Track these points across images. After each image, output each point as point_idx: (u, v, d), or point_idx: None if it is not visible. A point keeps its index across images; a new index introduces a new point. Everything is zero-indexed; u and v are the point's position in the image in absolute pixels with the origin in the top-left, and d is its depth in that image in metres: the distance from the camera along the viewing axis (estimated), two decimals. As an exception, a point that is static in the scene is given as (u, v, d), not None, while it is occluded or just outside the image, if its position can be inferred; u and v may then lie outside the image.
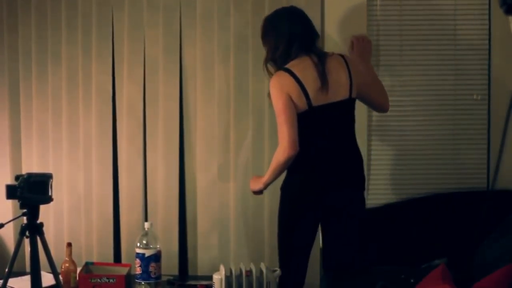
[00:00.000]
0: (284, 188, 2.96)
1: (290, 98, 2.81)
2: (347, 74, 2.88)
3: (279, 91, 2.83)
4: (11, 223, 2.87)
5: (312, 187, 2.88)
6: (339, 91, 2.86)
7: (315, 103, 2.82)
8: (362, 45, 3.22)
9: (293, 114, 2.82)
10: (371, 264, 3.01)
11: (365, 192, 3.07)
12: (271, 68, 2.96)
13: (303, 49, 2.87)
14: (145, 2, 3.41)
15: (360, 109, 3.37)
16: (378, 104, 3.11)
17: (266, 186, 2.97)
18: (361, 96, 3.00)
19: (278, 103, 2.83)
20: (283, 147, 2.81)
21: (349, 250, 2.96)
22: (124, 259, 3.48)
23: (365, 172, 3.04)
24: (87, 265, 3.25)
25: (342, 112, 2.90)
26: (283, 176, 2.95)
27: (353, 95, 2.91)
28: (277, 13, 2.99)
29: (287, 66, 2.86)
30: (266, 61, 2.96)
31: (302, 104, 2.82)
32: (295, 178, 2.91)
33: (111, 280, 3.07)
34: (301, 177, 2.89)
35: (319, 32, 3.33)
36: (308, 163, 2.88)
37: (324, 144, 2.88)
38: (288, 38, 2.87)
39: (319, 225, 3.00)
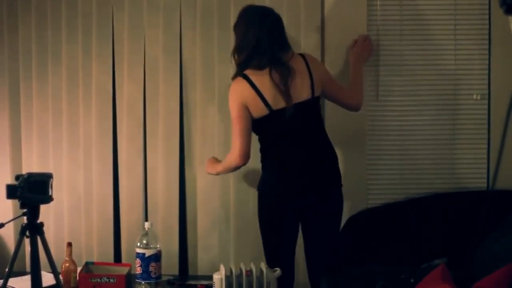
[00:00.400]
0: (260, 188, 3.00)
1: (246, 108, 2.85)
2: (308, 74, 2.90)
3: (235, 100, 2.87)
4: (11, 223, 2.87)
5: (287, 189, 2.92)
6: (301, 92, 2.88)
7: (276, 107, 2.85)
8: (363, 45, 3.25)
9: (247, 125, 2.86)
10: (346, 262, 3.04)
11: (343, 188, 3.07)
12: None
13: (267, 59, 2.85)
14: (145, 2, 3.41)
15: (360, 109, 3.39)
16: (345, 102, 3.10)
17: (219, 174, 3.12)
18: (326, 93, 3.01)
19: (233, 112, 2.89)
20: (234, 157, 2.90)
21: (329, 250, 3.00)
22: (124, 259, 3.48)
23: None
24: (87, 265, 3.25)
25: (307, 112, 2.92)
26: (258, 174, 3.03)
27: (316, 94, 2.92)
28: (252, 12, 2.94)
29: (246, 72, 2.87)
30: (233, 53, 2.95)
31: (262, 110, 2.86)
32: (270, 179, 2.96)
33: (111, 280, 3.07)
34: (276, 178, 2.94)
35: (319, 32, 3.35)
36: (280, 166, 2.93)
37: (293, 145, 2.91)
38: (254, 45, 2.85)
39: (300, 225, 3.04)
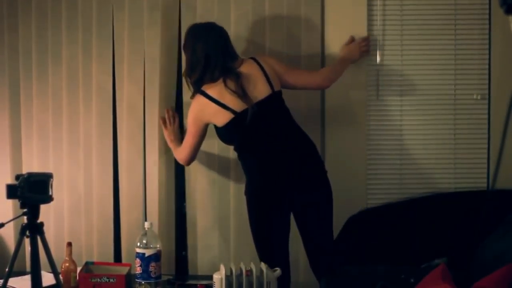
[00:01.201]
0: (248, 192, 3.07)
1: (205, 125, 3.03)
2: (261, 73, 2.98)
3: (194, 118, 3.02)
4: (12, 222, 2.87)
5: (273, 186, 2.98)
6: (260, 91, 2.96)
7: (239, 110, 2.92)
8: (357, 45, 3.29)
9: (199, 142, 3.09)
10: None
11: (328, 174, 3.09)
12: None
13: (219, 71, 2.96)
14: (145, 2, 3.41)
15: (360, 109, 3.40)
16: (310, 82, 3.16)
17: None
18: (288, 82, 3.07)
19: (189, 127, 3.07)
20: (179, 158, 3.21)
21: (326, 237, 3.05)
22: (124, 259, 3.48)
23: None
24: (87, 264, 3.25)
25: (272, 107, 2.99)
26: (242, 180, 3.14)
27: (276, 88, 2.99)
28: (197, 30, 3.05)
29: (203, 88, 2.98)
30: (185, 74, 3.08)
31: (226, 116, 2.94)
32: (254, 181, 3.03)
33: (111, 280, 3.07)
34: (260, 179, 3.00)
35: (319, 32, 3.35)
36: (260, 166, 2.99)
37: (268, 143, 2.98)
38: (204, 61, 2.96)
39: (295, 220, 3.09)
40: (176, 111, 3.40)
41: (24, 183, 2.56)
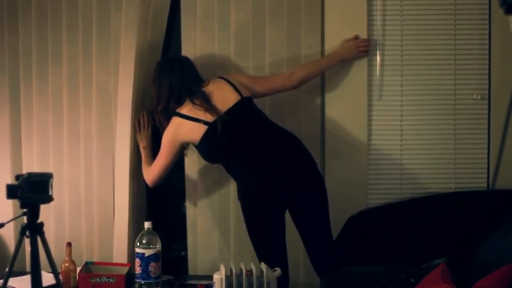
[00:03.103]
0: (240, 196, 3.09)
1: (180, 146, 3.10)
2: (227, 84, 3.09)
3: (170, 138, 3.09)
4: (12, 222, 2.86)
5: (265, 188, 3.01)
6: (228, 100, 3.05)
7: (211, 120, 3.01)
8: (355, 45, 3.30)
9: (171, 162, 3.14)
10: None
11: (322, 169, 3.14)
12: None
13: (184, 96, 3.08)
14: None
15: (360, 109, 3.39)
16: (279, 88, 3.23)
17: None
18: (258, 90, 3.17)
19: (163, 148, 3.11)
20: (147, 178, 3.23)
21: (324, 232, 3.07)
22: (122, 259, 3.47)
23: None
24: (87, 264, 3.25)
25: (244, 112, 3.06)
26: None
27: (245, 94, 3.08)
28: (161, 65, 3.18)
29: (177, 110, 3.07)
30: (152, 110, 3.21)
31: (200, 129, 3.02)
32: (246, 186, 3.06)
33: (111, 280, 3.07)
34: (251, 183, 3.03)
35: (319, 32, 3.35)
36: (249, 170, 3.03)
37: (250, 146, 3.02)
38: (168, 91, 3.09)
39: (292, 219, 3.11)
40: (150, 117, 3.40)
41: (24, 183, 2.55)
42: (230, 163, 3.09)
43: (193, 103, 3.04)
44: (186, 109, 3.06)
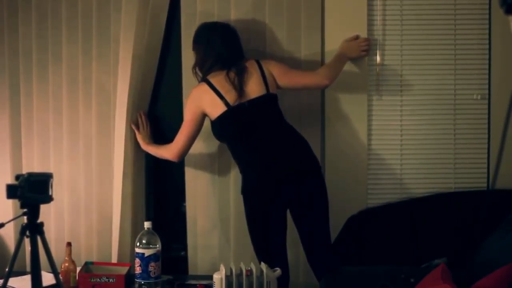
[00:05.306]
0: (244, 192, 3.11)
1: (202, 114, 3.08)
2: (260, 73, 3.06)
3: (192, 104, 3.08)
4: (12, 222, 2.86)
5: (268, 185, 3.02)
6: (254, 90, 3.03)
7: (232, 103, 3.01)
8: (357, 44, 3.30)
9: (196, 131, 3.12)
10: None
11: (323, 172, 3.13)
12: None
13: (226, 66, 3.07)
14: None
15: (360, 109, 3.40)
16: (311, 86, 3.21)
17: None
18: (287, 83, 3.13)
19: (187, 115, 3.11)
20: (171, 153, 3.17)
21: (324, 233, 3.07)
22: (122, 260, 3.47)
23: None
24: (87, 264, 3.25)
25: (263, 107, 3.05)
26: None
27: (271, 90, 3.07)
28: (212, 27, 3.17)
29: (207, 77, 3.07)
30: (194, 68, 3.18)
31: (220, 108, 3.01)
32: (250, 180, 3.07)
33: (110, 280, 3.07)
34: (255, 178, 3.05)
35: (319, 32, 3.35)
36: (254, 165, 3.04)
37: (259, 142, 3.03)
38: (216, 56, 3.08)
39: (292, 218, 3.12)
40: (147, 117, 3.40)
41: (24, 183, 2.55)
42: (237, 152, 3.10)
43: (227, 74, 3.03)
44: (216, 80, 3.05)
